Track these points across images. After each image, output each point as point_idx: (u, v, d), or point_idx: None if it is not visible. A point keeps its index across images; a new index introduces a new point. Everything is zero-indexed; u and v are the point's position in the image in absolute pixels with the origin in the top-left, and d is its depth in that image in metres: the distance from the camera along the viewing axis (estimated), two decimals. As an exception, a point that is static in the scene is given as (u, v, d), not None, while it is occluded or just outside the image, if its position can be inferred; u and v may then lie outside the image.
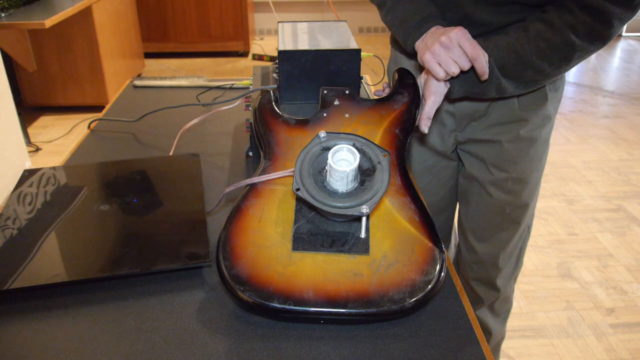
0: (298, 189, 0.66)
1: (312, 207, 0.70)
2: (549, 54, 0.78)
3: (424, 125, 0.82)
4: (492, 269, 1.14)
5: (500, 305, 1.23)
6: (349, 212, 0.64)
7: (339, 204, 0.65)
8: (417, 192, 0.73)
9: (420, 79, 0.87)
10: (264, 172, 0.75)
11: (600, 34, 0.76)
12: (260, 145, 0.81)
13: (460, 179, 1.11)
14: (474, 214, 1.10)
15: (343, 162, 0.68)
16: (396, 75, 0.87)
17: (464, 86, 0.83)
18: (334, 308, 0.61)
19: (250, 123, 0.94)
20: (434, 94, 0.82)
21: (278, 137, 0.80)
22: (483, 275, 1.16)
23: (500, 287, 1.17)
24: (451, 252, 1.32)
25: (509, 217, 1.06)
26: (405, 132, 0.80)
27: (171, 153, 1.03)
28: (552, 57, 0.79)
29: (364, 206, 0.64)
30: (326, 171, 0.69)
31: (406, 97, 0.83)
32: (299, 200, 0.71)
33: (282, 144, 0.79)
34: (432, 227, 0.69)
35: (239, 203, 0.71)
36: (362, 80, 1.20)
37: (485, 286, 1.18)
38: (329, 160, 0.66)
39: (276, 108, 0.84)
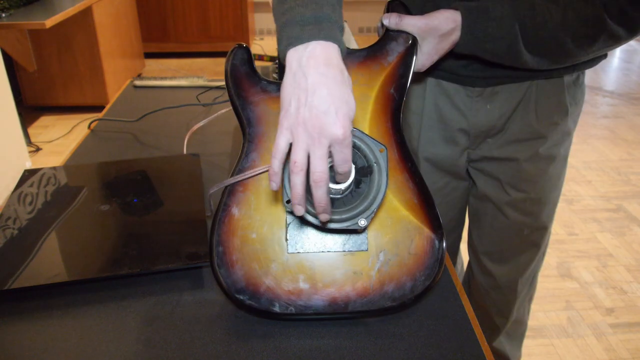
0: (289, 201, 0.59)
1: (305, 221, 0.64)
2: (575, 26, 0.73)
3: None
4: (509, 293, 1.07)
5: (514, 328, 1.16)
6: (345, 226, 0.60)
7: (335, 217, 0.60)
8: (415, 166, 0.67)
9: (415, 21, 0.72)
10: (246, 157, 0.66)
11: (631, 18, 0.72)
12: (240, 121, 0.68)
13: (472, 199, 1.04)
14: (488, 237, 1.04)
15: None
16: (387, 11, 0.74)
17: (474, 34, 0.73)
18: (335, 309, 0.61)
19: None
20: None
21: (258, 109, 0.67)
22: (500, 301, 1.10)
23: (515, 312, 1.11)
24: (458, 273, 1.27)
25: (527, 240, 1.00)
26: (400, 89, 0.68)
27: (184, 152, 1.04)
28: (578, 31, 0.73)
29: (362, 219, 0.60)
30: None
31: (401, 45, 0.70)
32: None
33: (264, 119, 0.67)
34: (431, 207, 0.65)
35: (225, 200, 0.65)
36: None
37: (501, 313, 1.11)
38: None
39: (254, 69, 0.68)
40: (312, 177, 0.53)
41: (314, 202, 0.55)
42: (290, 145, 0.55)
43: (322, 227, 0.62)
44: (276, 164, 0.55)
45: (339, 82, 0.55)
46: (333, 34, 0.58)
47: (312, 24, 0.58)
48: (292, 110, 0.55)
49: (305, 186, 0.55)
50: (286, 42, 0.58)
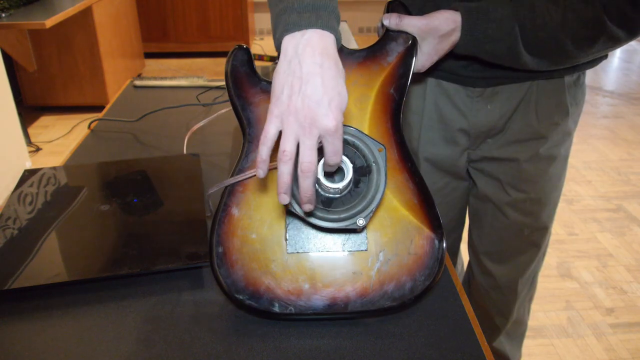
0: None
1: (304, 221, 0.64)
2: (575, 28, 0.72)
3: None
4: (510, 293, 1.08)
5: (514, 328, 1.16)
6: (344, 225, 0.60)
7: (333, 216, 0.60)
8: (415, 166, 0.67)
9: (414, 21, 0.72)
10: (246, 157, 0.66)
11: (630, 20, 0.71)
12: (240, 122, 0.69)
13: (472, 199, 1.04)
14: (488, 237, 1.04)
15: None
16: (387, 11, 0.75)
17: (473, 35, 0.73)
18: (334, 309, 0.61)
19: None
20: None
21: (258, 110, 0.67)
22: (500, 301, 1.10)
23: (516, 312, 1.11)
24: (458, 273, 1.27)
25: (527, 240, 1.00)
26: (400, 89, 0.68)
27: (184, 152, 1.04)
28: (578, 33, 0.73)
29: (360, 219, 0.60)
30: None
31: (401, 45, 0.70)
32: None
33: (264, 119, 0.65)
34: (431, 207, 0.65)
35: (225, 200, 0.65)
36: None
37: (502, 313, 1.12)
38: (319, 175, 0.60)
39: (254, 70, 0.69)
40: (301, 167, 0.53)
41: (299, 191, 0.55)
42: (280, 133, 0.54)
43: (322, 227, 0.62)
44: (264, 150, 0.54)
45: (334, 73, 0.54)
46: (330, 24, 0.57)
47: (310, 11, 0.57)
48: (284, 98, 0.54)
49: (292, 176, 0.54)
50: (283, 28, 0.57)
